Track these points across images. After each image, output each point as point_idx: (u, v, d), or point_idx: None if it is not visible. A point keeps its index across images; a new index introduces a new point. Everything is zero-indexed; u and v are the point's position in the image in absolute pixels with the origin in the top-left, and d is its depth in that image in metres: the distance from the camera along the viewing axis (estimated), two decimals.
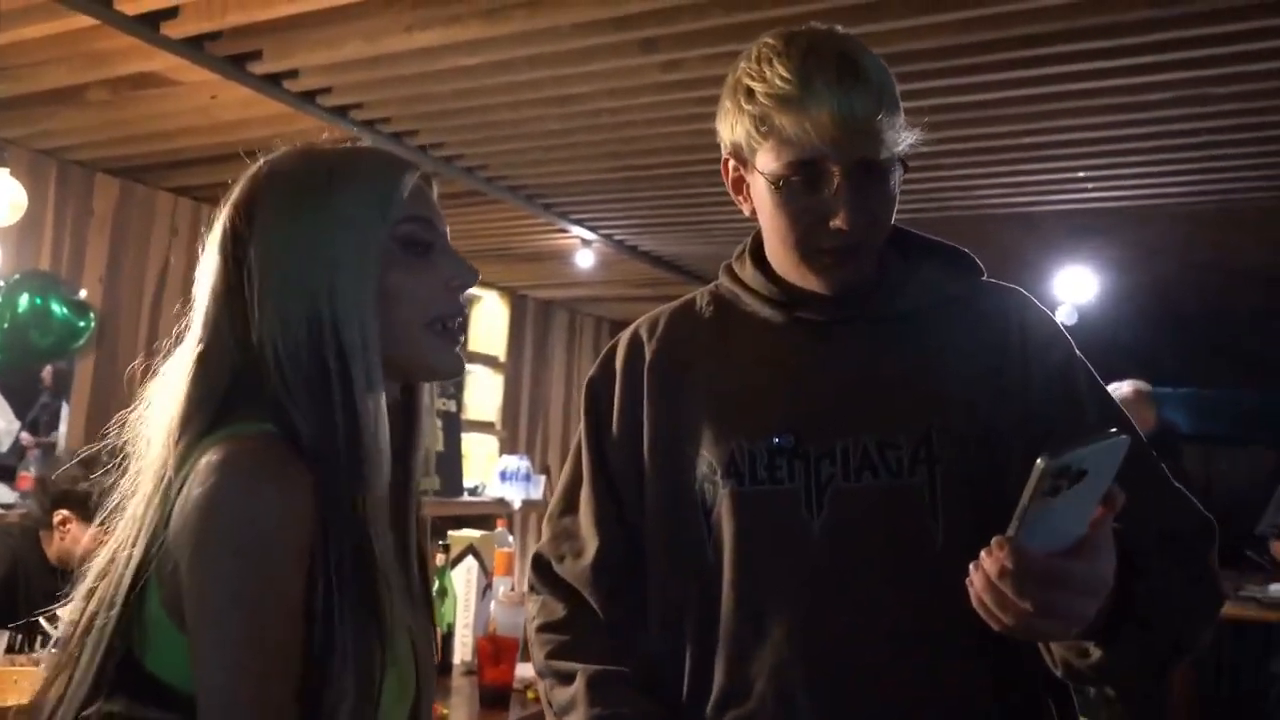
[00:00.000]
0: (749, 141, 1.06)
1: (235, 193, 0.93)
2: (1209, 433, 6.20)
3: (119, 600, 0.83)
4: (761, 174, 1.07)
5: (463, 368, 0.96)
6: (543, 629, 1.20)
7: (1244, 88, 2.61)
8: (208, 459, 0.80)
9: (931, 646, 1.02)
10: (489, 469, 5.65)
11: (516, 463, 5.49)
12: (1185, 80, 2.59)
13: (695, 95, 2.80)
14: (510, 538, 3.14)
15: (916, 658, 1.02)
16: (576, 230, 4.35)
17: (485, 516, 4.62)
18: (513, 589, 2.71)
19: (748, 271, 1.17)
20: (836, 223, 1.03)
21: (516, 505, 5.36)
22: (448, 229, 0.96)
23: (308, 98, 2.95)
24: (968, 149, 3.17)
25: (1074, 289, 4.68)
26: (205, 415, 0.86)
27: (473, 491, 5.30)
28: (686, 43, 2.50)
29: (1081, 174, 3.37)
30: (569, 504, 1.22)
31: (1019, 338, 1.11)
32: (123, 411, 0.92)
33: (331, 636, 0.79)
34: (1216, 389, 6.26)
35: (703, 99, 2.82)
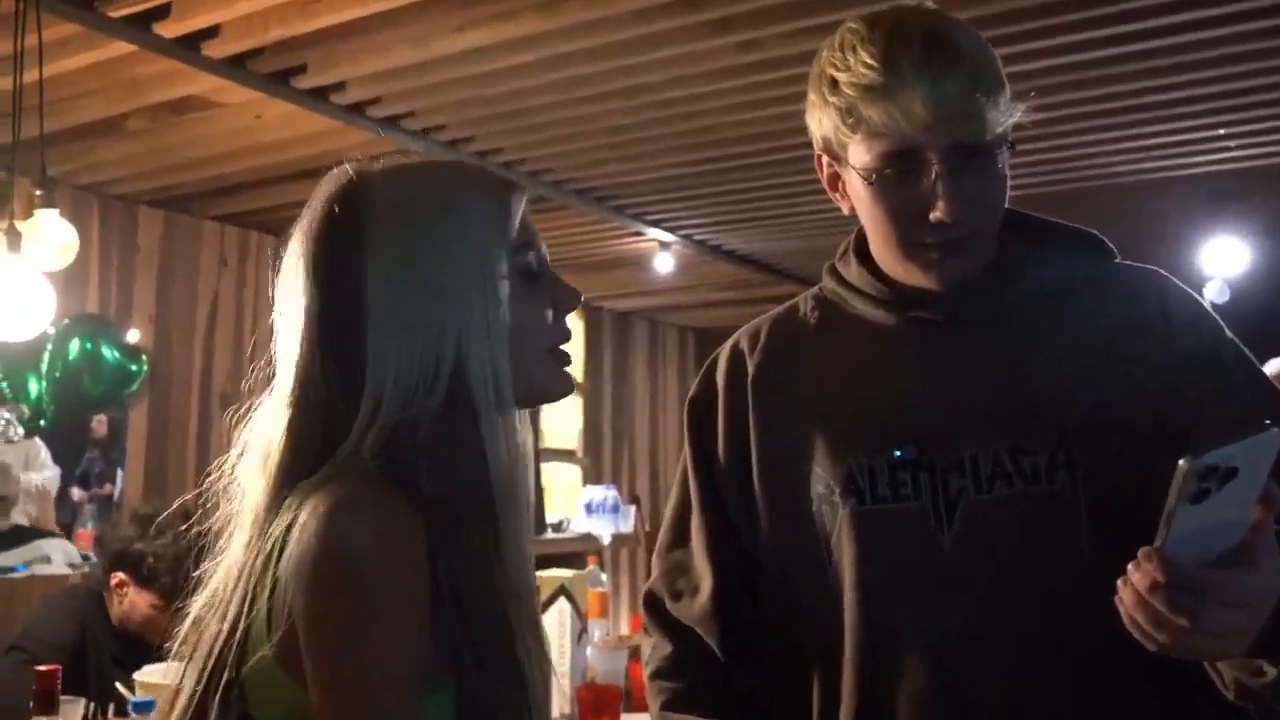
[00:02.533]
0: (838, 135, 1.08)
1: (319, 217, 0.95)
2: None
3: (220, 652, 0.86)
4: (855, 168, 1.08)
5: (571, 388, 1.02)
6: (655, 675, 1.22)
7: None
8: (314, 505, 0.83)
9: (1089, 666, 1.01)
10: (572, 501, 5.69)
11: (603, 493, 5.52)
12: None
13: (776, 76, 2.81)
14: (603, 576, 3.18)
15: (1073, 679, 1.02)
16: (653, 232, 4.39)
17: (572, 555, 4.67)
18: (609, 633, 2.74)
19: (853, 271, 1.18)
20: (937, 214, 1.04)
21: (606, 540, 5.39)
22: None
23: (356, 110, 3.05)
24: (1085, 113, 3.12)
25: (1223, 261, 4.56)
26: (304, 461, 0.89)
27: (556, 528, 5.34)
28: (762, 20, 2.52)
29: (1221, 130, 3.29)
30: (679, 535, 1.24)
31: (1160, 321, 1.10)
32: (218, 459, 0.95)
33: (467, 685, 0.83)
34: None
35: (784, 79, 2.83)
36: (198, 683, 0.87)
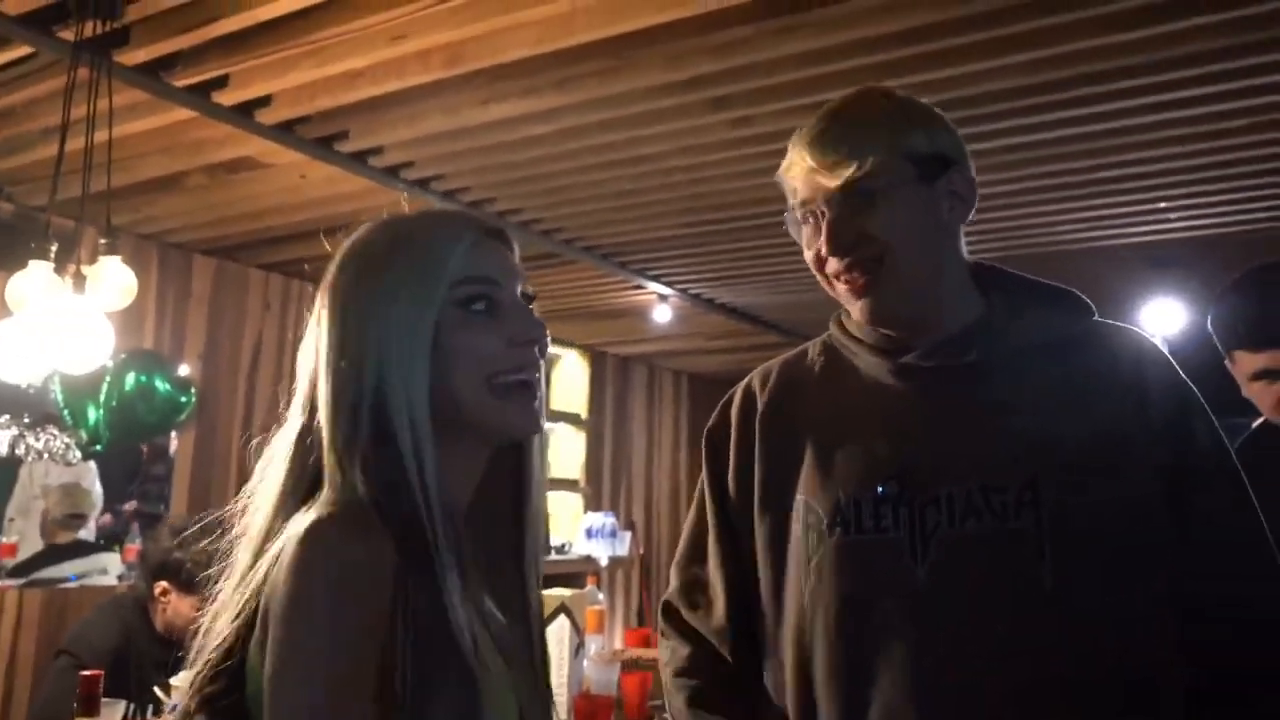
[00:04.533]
0: (787, 195, 1.18)
1: (327, 273, 0.96)
2: None
3: (218, 664, 0.85)
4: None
5: (537, 426, 0.95)
6: (678, 674, 1.21)
7: None
8: (296, 527, 0.82)
9: (1049, 691, 1.00)
10: (574, 527, 5.67)
11: (602, 520, 5.50)
12: (1262, 106, 2.54)
13: (765, 149, 2.84)
14: (600, 595, 3.15)
15: (1033, 703, 1.00)
16: (653, 286, 4.41)
17: (573, 575, 4.63)
18: (604, 647, 2.72)
19: (853, 321, 1.19)
20: (821, 249, 1.12)
21: (604, 562, 5.36)
22: (521, 285, 0.96)
23: (392, 172, 3.07)
24: (1043, 186, 3.14)
25: (1161, 321, 4.57)
26: (300, 488, 0.89)
27: (559, 550, 5.32)
28: (756, 99, 2.55)
29: (1163, 204, 3.31)
30: (697, 551, 1.25)
31: (1134, 380, 1.10)
32: (247, 486, 0.95)
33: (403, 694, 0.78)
34: None
35: (772, 152, 2.82)
36: (190, 697, 0.85)
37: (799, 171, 1.13)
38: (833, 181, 1.10)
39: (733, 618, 1.18)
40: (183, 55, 2.41)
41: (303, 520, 0.82)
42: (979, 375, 1.10)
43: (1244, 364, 1.68)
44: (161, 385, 3.72)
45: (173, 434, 3.89)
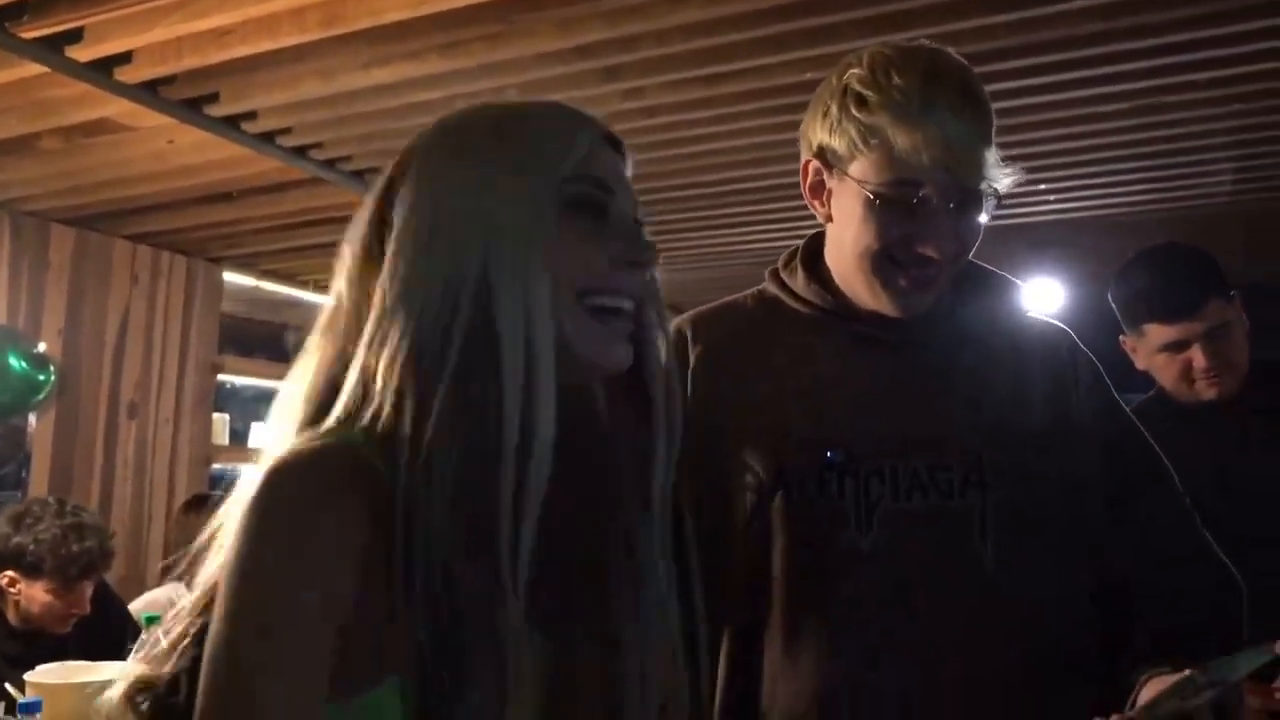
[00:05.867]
0: (850, 149, 1.03)
1: (403, 155, 0.81)
2: None
3: (194, 617, 0.75)
4: (857, 182, 1.03)
5: (628, 358, 0.80)
6: None
7: (1196, 95, 2.65)
8: (252, 470, 0.69)
9: (988, 667, 1.01)
10: None
11: None
12: (1140, 90, 2.62)
13: (658, 122, 2.79)
14: None
15: (973, 677, 1.01)
16: None
17: None
18: None
19: (799, 281, 1.15)
20: (927, 249, 1.02)
21: None
22: (634, 204, 0.83)
23: (267, 138, 2.92)
24: None
25: (1040, 300, 4.73)
26: (303, 415, 0.74)
27: None
28: (649, 69, 2.50)
29: (1042, 186, 3.40)
30: None
31: (1071, 374, 1.13)
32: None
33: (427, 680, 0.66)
34: None
35: (665, 125, 2.82)
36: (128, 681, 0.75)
37: (936, 151, 0.97)
38: (974, 180, 1.00)
39: None
40: (31, 4, 2.23)
41: (271, 455, 0.69)
42: (927, 353, 1.10)
43: (1154, 336, 1.76)
44: (16, 362, 3.48)
45: (30, 416, 3.66)
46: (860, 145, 1.02)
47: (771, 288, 1.18)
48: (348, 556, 0.68)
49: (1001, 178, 1.04)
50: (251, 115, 2.78)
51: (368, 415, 0.71)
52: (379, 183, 0.80)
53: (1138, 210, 3.67)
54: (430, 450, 0.69)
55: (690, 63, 2.44)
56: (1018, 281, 1.19)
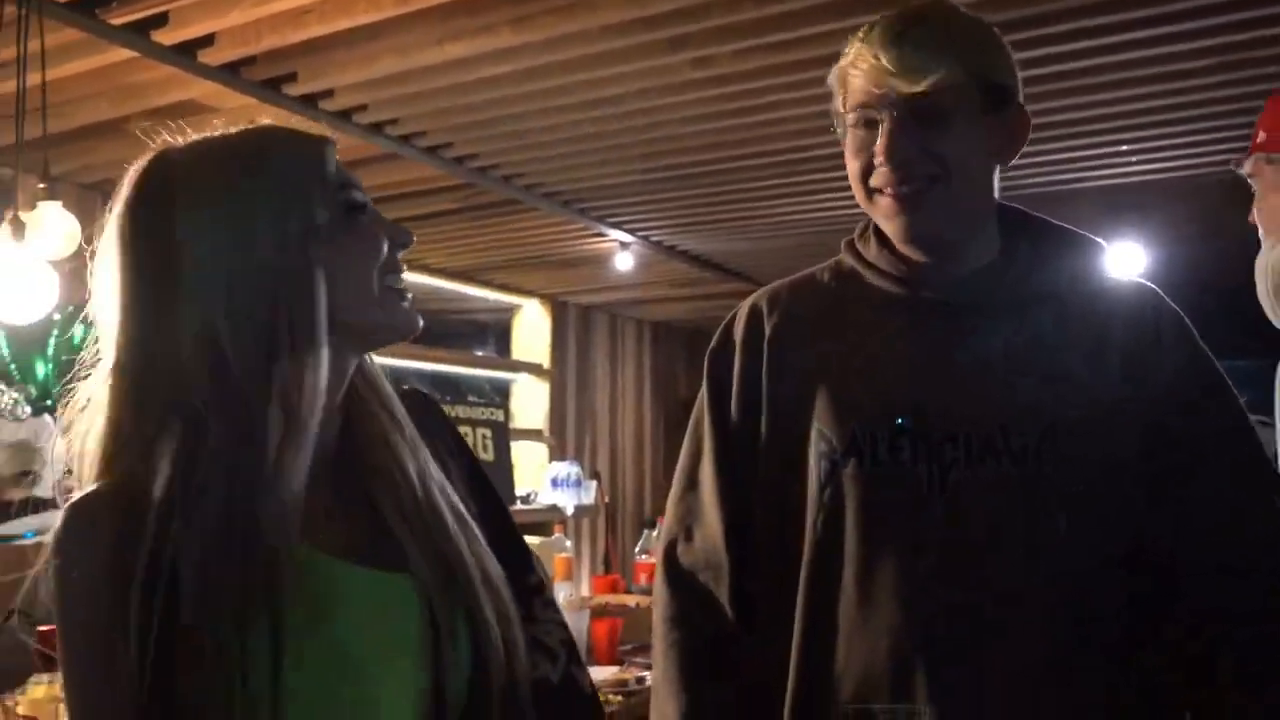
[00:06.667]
0: (835, 101, 1.14)
1: (132, 191, 0.91)
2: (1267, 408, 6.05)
3: None
4: (839, 122, 1.14)
5: (419, 324, 0.95)
6: (671, 628, 1.19)
7: None
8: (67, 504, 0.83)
9: (1056, 634, 1.01)
10: (539, 476, 5.66)
11: (567, 469, 5.49)
12: (1219, 46, 2.53)
13: (727, 91, 2.78)
14: (567, 543, 3.15)
15: (1041, 644, 1.01)
16: (614, 233, 4.35)
17: (539, 524, 4.63)
18: (572, 595, 2.71)
19: (872, 249, 1.17)
20: (876, 156, 1.08)
21: (569, 511, 5.36)
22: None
23: (344, 116, 2.98)
24: None
25: (1122, 264, 4.60)
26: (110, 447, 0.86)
27: (525, 500, 5.31)
28: (717, 38, 2.49)
29: (1124, 147, 3.30)
30: (690, 481, 1.22)
31: (1153, 335, 1.10)
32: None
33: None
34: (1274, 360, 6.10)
35: (734, 94, 2.80)
36: None
37: (866, 70, 1.06)
38: (909, 87, 1.04)
39: (730, 540, 1.16)
40: None
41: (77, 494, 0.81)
42: (1000, 316, 1.09)
43: None
44: None
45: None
46: (838, 89, 1.13)
47: (847, 258, 1.19)
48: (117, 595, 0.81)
49: (970, 82, 1.06)
50: (328, 93, 2.84)
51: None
52: (123, 229, 0.90)
53: (1221, 171, 3.54)
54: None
55: (758, 30, 2.42)
56: (1099, 241, 1.17)
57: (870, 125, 1.07)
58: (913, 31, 1.06)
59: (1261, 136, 1.74)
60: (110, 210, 0.92)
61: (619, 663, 2.47)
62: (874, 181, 1.08)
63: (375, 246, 0.91)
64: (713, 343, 1.22)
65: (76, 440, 0.89)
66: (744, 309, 1.21)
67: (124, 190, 0.92)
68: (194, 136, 0.96)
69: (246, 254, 0.85)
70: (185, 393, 0.82)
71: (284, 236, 0.85)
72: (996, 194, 1.16)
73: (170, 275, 0.85)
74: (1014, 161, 3.94)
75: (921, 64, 1.03)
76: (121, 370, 0.87)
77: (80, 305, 3.57)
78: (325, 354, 0.85)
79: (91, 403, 0.89)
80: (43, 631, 1.76)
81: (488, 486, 1.04)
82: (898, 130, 1.05)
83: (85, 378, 0.91)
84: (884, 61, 1.04)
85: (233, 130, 0.96)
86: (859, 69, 1.07)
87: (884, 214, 1.10)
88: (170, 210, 0.87)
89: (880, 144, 1.06)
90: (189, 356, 0.83)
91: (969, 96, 1.06)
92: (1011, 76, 1.10)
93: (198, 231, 0.86)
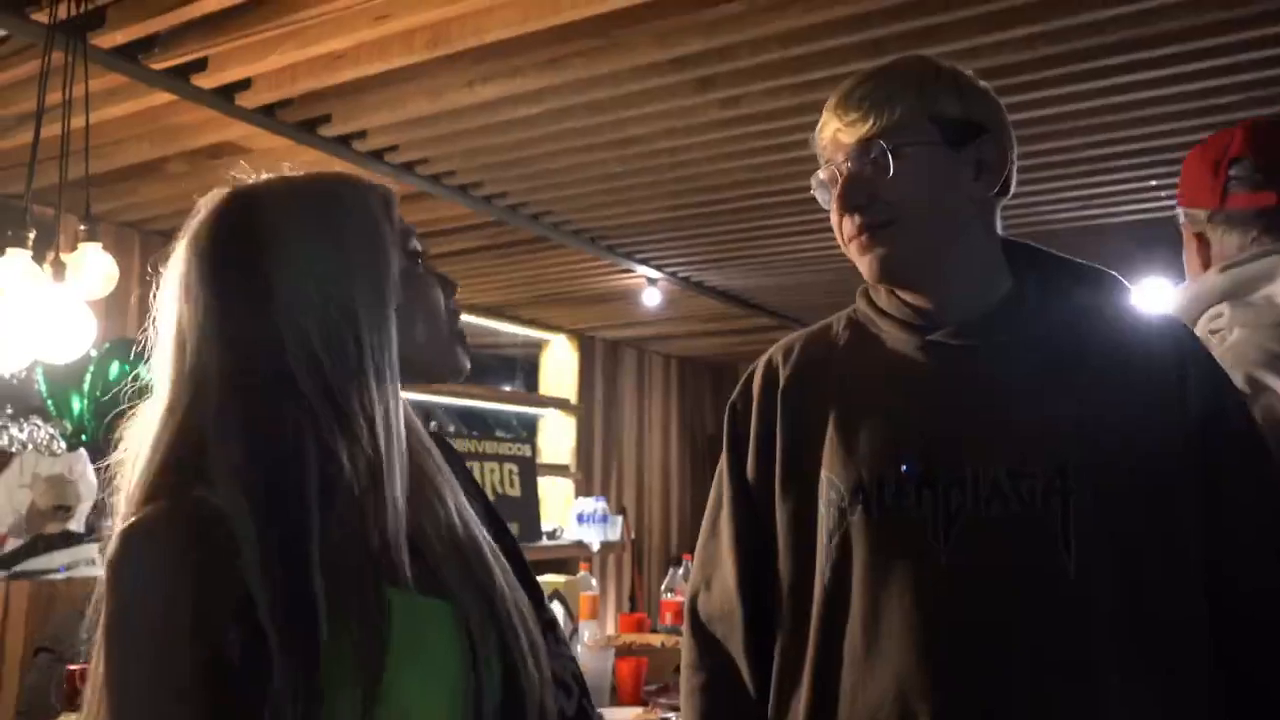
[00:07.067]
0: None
1: (207, 229, 0.93)
2: None
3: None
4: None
5: (468, 365, 1.00)
6: (695, 691, 1.19)
7: None
8: (118, 530, 0.80)
9: (1067, 679, 0.98)
10: (565, 512, 5.65)
11: (593, 504, 5.47)
12: (1251, 82, 2.52)
13: (753, 130, 2.80)
14: (593, 581, 3.14)
15: (1050, 690, 0.99)
16: (641, 270, 4.37)
17: (565, 560, 4.61)
18: (598, 634, 2.70)
19: (882, 295, 1.17)
20: (834, 202, 1.12)
21: (595, 547, 5.35)
22: None
23: (376, 156, 3.03)
24: (1032, 164, 3.11)
25: (1152, 300, 4.56)
26: (164, 476, 0.84)
27: (551, 535, 5.30)
28: (743, 79, 2.51)
29: (1153, 182, 3.29)
30: (712, 529, 1.23)
31: (1177, 371, 1.06)
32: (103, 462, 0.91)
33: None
34: None
35: (761, 133, 2.82)
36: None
37: (826, 128, 1.12)
38: (850, 137, 1.09)
39: (743, 583, 1.16)
40: (160, 37, 2.36)
41: (129, 522, 0.80)
42: (1010, 355, 1.07)
43: None
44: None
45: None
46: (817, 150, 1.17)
47: (861, 305, 1.20)
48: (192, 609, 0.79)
49: (912, 122, 1.07)
50: (361, 134, 2.89)
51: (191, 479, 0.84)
52: (207, 264, 0.91)
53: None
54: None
55: (784, 70, 2.44)
56: (1116, 275, 1.15)
57: (835, 180, 1.12)
58: (863, 85, 1.11)
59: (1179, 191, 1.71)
60: (182, 242, 0.94)
61: (643, 703, 2.45)
62: (844, 230, 1.12)
63: (442, 292, 0.97)
64: (733, 396, 1.24)
65: (125, 469, 0.88)
66: (761, 362, 1.23)
67: (202, 225, 0.94)
68: (267, 176, 0.97)
69: (339, 291, 0.87)
70: (279, 422, 0.83)
71: (372, 278, 0.89)
72: (999, 229, 1.15)
73: (259, 306, 0.87)
74: (1046, 197, 3.90)
75: (864, 113, 1.08)
76: (192, 398, 0.87)
77: (116, 342, 3.60)
78: (399, 389, 0.89)
79: (138, 433, 0.89)
80: (71, 670, 1.77)
81: (503, 527, 1.05)
82: (849, 179, 1.09)
83: (130, 411, 0.91)
84: (833, 116, 1.11)
85: (303, 174, 0.98)
86: (822, 131, 1.13)
87: (855, 258, 1.12)
88: (257, 246, 0.89)
89: (834, 193, 1.10)
90: (277, 386, 0.85)
91: (924, 135, 1.06)
92: (977, 109, 1.10)
93: (288, 268, 0.87)
